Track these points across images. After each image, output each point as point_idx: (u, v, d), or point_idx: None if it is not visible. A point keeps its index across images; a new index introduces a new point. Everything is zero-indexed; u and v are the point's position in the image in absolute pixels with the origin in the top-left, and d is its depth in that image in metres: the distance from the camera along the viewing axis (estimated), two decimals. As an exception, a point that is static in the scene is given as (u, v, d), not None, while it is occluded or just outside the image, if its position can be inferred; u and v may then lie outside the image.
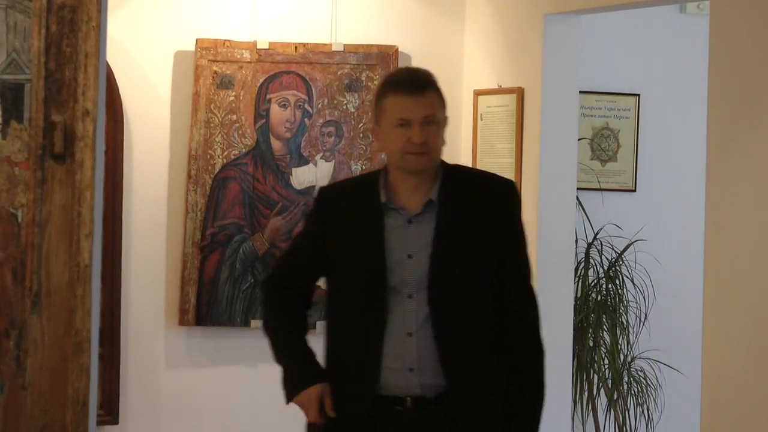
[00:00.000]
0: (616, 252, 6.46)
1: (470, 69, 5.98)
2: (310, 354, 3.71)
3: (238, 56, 5.70)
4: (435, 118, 3.56)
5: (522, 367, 3.64)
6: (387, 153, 3.63)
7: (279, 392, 3.65)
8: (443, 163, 3.67)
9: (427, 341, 3.55)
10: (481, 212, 3.62)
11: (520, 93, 5.65)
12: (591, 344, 6.30)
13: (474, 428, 3.58)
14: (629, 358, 6.42)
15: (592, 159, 6.69)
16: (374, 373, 3.57)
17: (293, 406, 3.64)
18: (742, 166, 4.47)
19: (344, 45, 5.81)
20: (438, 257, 3.56)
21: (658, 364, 6.50)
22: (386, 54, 5.85)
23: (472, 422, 3.57)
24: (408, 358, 3.56)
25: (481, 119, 5.86)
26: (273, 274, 3.88)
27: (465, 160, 5.88)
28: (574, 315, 5.91)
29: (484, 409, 3.60)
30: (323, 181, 5.73)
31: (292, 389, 3.66)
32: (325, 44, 5.80)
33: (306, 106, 5.80)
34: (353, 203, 3.68)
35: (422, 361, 3.55)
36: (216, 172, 5.70)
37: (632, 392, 6.40)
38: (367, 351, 3.58)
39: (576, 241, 6.04)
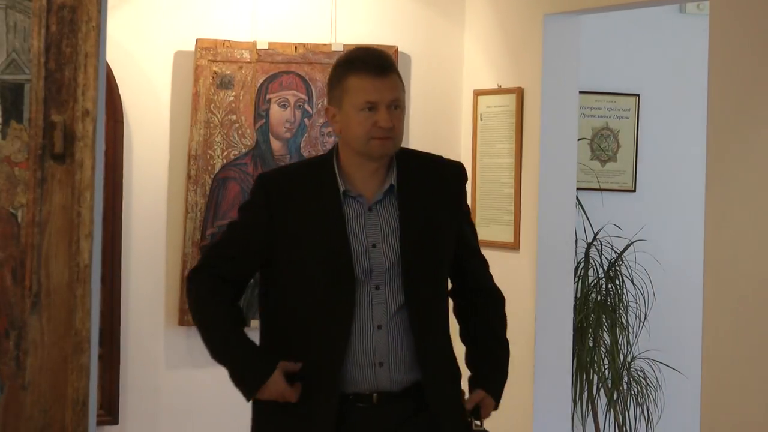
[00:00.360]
0: (615, 252, 6.46)
1: (470, 69, 5.98)
2: (255, 345, 3.54)
3: (238, 56, 5.70)
4: (400, 102, 3.43)
5: (490, 330, 3.63)
6: (347, 137, 3.45)
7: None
8: None
9: (398, 333, 3.44)
10: (439, 195, 3.52)
11: (520, 93, 5.65)
12: (591, 344, 6.30)
13: (448, 418, 3.50)
14: (629, 358, 6.42)
15: (591, 159, 6.69)
16: (340, 370, 3.42)
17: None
18: (742, 166, 4.47)
19: (344, 45, 5.81)
20: (408, 244, 3.44)
21: (658, 364, 6.50)
22: (386, 54, 5.85)
23: (445, 412, 3.50)
24: (379, 352, 3.43)
25: (481, 119, 5.86)
26: (203, 264, 3.58)
27: (465, 160, 5.88)
28: (574, 315, 5.91)
29: (455, 398, 3.54)
30: (323, 181, 5.73)
31: (251, 385, 3.49)
32: (325, 44, 5.80)
33: (306, 106, 5.80)
34: (307, 191, 3.48)
35: (393, 354, 3.44)
36: (216, 172, 5.70)
37: (632, 392, 6.41)
38: (333, 348, 3.42)
39: (576, 241, 6.04)
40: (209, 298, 3.54)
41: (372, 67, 3.41)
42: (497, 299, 3.67)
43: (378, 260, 3.44)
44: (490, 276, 3.68)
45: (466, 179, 3.65)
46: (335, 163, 3.48)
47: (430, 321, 3.49)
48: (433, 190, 3.52)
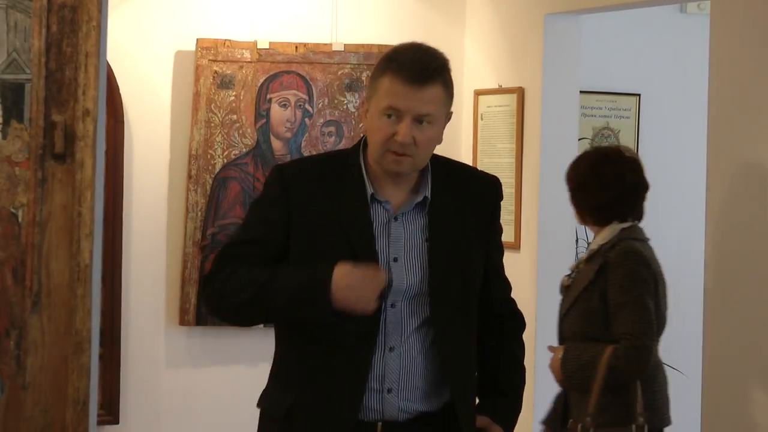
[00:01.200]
0: (616, 252, 6.45)
1: (470, 69, 5.98)
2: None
3: (239, 56, 5.70)
4: (432, 118, 3.06)
5: (510, 356, 3.34)
6: (368, 139, 3.12)
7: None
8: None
9: (411, 357, 3.10)
10: (472, 211, 3.19)
11: (520, 93, 5.65)
12: (591, 344, 6.29)
13: None
14: (629, 358, 6.41)
15: (592, 159, 6.68)
16: (359, 395, 3.07)
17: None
18: (742, 165, 4.46)
19: (344, 45, 5.81)
20: (438, 262, 3.11)
21: (659, 364, 6.50)
22: (386, 54, 5.85)
23: None
24: (389, 376, 3.09)
25: (482, 119, 5.86)
26: (214, 271, 3.16)
27: (465, 160, 5.87)
28: (575, 315, 5.89)
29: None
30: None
31: (320, 289, 3.00)
32: (325, 44, 5.80)
33: (306, 105, 5.81)
34: (330, 189, 3.12)
35: (404, 380, 3.10)
36: (216, 171, 5.70)
37: (632, 392, 6.40)
38: (353, 370, 3.07)
39: (576, 240, 6.04)
40: (231, 275, 3.12)
41: (409, 72, 3.03)
42: (520, 325, 3.39)
43: (398, 276, 3.09)
44: (513, 300, 3.39)
45: (502, 196, 3.32)
46: (362, 160, 3.14)
47: (455, 346, 3.15)
48: (466, 205, 3.19)
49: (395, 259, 3.10)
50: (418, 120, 3.04)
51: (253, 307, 3.10)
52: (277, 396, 3.18)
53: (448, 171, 3.22)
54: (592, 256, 4.42)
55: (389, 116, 3.04)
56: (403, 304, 3.10)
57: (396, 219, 3.12)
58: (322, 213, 3.10)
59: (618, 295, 4.26)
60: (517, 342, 3.38)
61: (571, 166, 4.61)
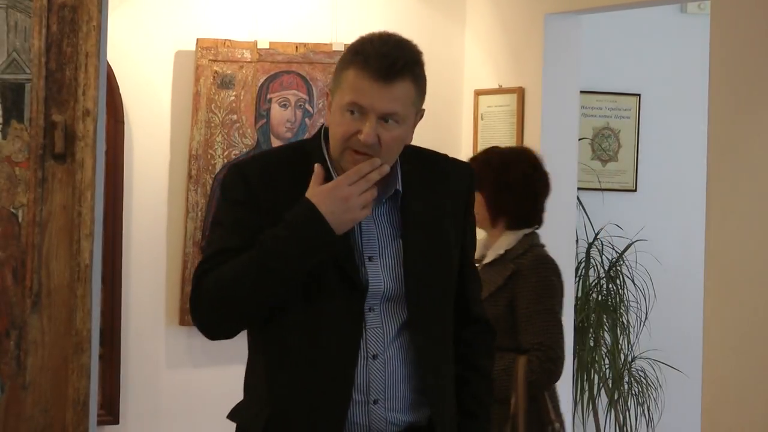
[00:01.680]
0: (616, 252, 6.46)
1: (471, 69, 5.98)
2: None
3: (239, 56, 5.70)
4: (399, 117, 2.80)
5: (482, 374, 3.06)
6: (330, 133, 2.85)
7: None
8: None
9: (396, 365, 2.85)
10: (447, 203, 2.95)
11: (520, 93, 5.65)
12: (592, 344, 6.30)
13: None
14: (630, 358, 6.42)
15: (592, 159, 6.69)
16: (343, 408, 2.83)
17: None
18: (742, 165, 4.47)
19: (344, 45, 5.80)
20: (414, 260, 2.86)
21: (659, 364, 6.51)
22: (387, 54, 5.85)
23: None
24: (374, 387, 2.84)
25: (482, 119, 5.86)
26: (196, 285, 2.87)
27: (466, 159, 5.87)
28: (575, 315, 5.91)
29: None
30: (324, 181, 5.74)
31: (309, 215, 2.75)
32: (325, 44, 5.80)
33: (307, 105, 5.80)
34: (295, 185, 2.83)
35: (391, 389, 2.86)
36: (217, 172, 5.70)
37: (633, 392, 6.41)
38: (334, 381, 2.82)
39: (576, 241, 6.04)
40: (214, 280, 2.83)
41: (375, 67, 2.77)
42: (492, 338, 3.11)
43: (375, 278, 2.84)
44: (481, 301, 3.13)
45: (474, 185, 3.07)
46: (325, 152, 2.88)
47: (436, 350, 2.92)
48: (441, 197, 2.95)
49: (370, 259, 2.85)
50: (384, 118, 2.78)
51: (256, 289, 2.80)
52: (254, 410, 2.94)
53: (419, 161, 2.97)
54: (496, 261, 4.21)
55: (352, 112, 2.77)
56: (382, 307, 2.85)
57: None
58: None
59: (530, 304, 4.12)
60: (489, 358, 3.11)
61: (489, 166, 4.27)
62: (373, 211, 2.85)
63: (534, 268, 4.17)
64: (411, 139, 2.92)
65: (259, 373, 2.97)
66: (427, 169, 2.98)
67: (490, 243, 4.27)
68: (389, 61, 2.77)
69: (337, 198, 2.76)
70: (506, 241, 4.24)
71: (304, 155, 2.88)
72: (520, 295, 4.14)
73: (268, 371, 2.93)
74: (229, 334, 3.00)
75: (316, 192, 2.78)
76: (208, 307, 2.87)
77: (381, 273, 2.85)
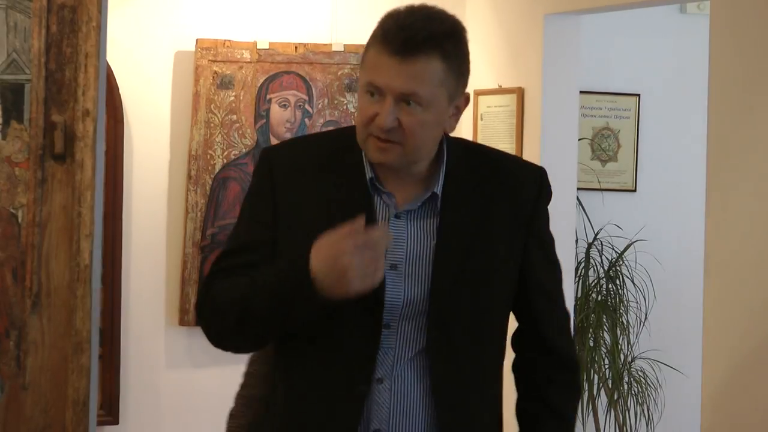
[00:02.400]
0: (616, 252, 6.46)
1: (471, 69, 5.98)
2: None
3: (238, 56, 5.70)
4: (421, 98, 2.45)
5: (550, 406, 2.65)
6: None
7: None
8: (448, 138, 2.64)
9: (405, 393, 2.48)
10: (501, 211, 2.57)
11: (520, 93, 5.65)
12: (591, 344, 6.30)
13: None
14: (629, 358, 6.42)
15: (592, 159, 6.69)
16: None
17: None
18: (742, 166, 4.46)
19: (344, 45, 5.81)
20: (445, 273, 2.49)
21: (659, 364, 6.50)
22: (386, 54, 5.85)
23: None
24: (376, 414, 2.48)
25: (482, 119, 5.86)
26: (207, 284, 2.61)
27: (465, 160, 5.88)
28: (575, 315, 5.90)
29: None
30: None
31: (300, 273, 2.40)
32: (325, 44, 5.80)
33: (306, 106, 5.80)
34: (323, 179, 2.54)
35: (396, 421, 2.48)
36: (216, 172, 5.70)
37: (632, 392, 6.40)
38: (339, 403, 2.49)
39: (576, 241, 6.04)
40: (215, 296, 2.57)
41: (392, 41, 2.43)
42: (566, 368, 2.66)
43: (395, 289, 2.48)
44: (567, 335, 2.69)
45: (550, 193, 2.67)
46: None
47: (461, 385, 2.52)
48: (493, 203, 2.57)
49: (393, 267, 2.48)
50: (404, 100, 2.45)
51: (245, 326, 2.52)
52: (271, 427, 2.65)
53: (475, 160, 2.63)
54: None
55: (372, 94, 2.46)
56: (402, 324, 2.49)
57: (398, 216, 2.52)
58: (310, 209, 2.53)
59: None
60: (566, 396, 2.67)
61: None
62: (408, 214, 2.52)
63: None
64: (452, 129, 2.60)
65: (276, 388, 2.65)
66: (483, 171, 2.61)
67: None
68: (409, 33, 2.43)
69: (334, 267, 2.37)
70: None
71: (341, 144, 2.57)
72: None
73: (280, 388, 2.60)
74: (233, 350, 2.64)
75: (322, 246, 2.40)
76: (209, 320, 2.60)
77: (403, 284, 2.49)
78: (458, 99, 2.56)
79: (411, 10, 2.49)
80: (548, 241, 2.67)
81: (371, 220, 2.48)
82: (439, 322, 2.50)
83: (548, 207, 2.69)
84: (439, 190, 2.55)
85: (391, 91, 2.44)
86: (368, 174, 2.53)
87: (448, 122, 2.57)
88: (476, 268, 2.53)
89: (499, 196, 2.59)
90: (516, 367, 2.69)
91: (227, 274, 2.57)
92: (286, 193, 2.55)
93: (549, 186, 2.67)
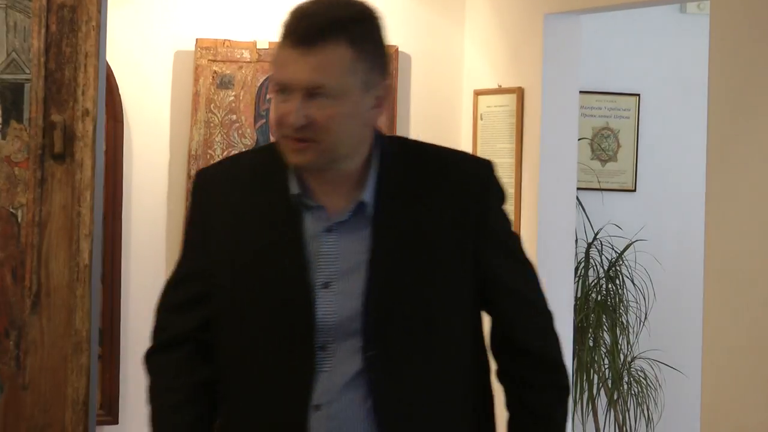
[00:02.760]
0: (616, 252, 6.46)
1: (470, 69, 5.98)
2: None
3: (238, 56, 5.70)
4: (330, 90, 2.24)
5: (528, 407, 2.46)
6: None
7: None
8: (383, 138, 2.40)
9: (344, 419, 2.27)
10: (443, 212, 2.35)
11: (520, 93, 5.65)
12: (591, 344, 6.30)
13: None
14: (629, 358, 6.42)
15: (592, 159, 6.69)
16: None
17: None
18: (742, 166, 4.46)
19: (344, 45, 5.81)
20: (378, 287, 2.29)
21: (659, 364, 6.50)
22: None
23: None
24: None
25: (481, 119, 5.86)
26: (154, 328, 2.47)
27: (465, 160, 5.87)
28: (574, 315, 5.90)
29: None
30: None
31: None
32: (325, 44, 5.80)
33: (306, 106, 5.80)
34: (251, 192, 2.37)
35: None
36: (216, 172, 5.70)
37: (632, 392, 6.40)
38: None
39: (576, 241, 6.04)
40: (161, 397, 2.41)
41: (294, 32, 2.25)
42: (547, 370, 2.46)
43: (327, 308, 2.29)
44: (547, 336, 2.47)
45: (496, 185, 2.43)
46: None
47: (414, 407, 2.30)
48: (433, 206, 2.35)
49: (326, 285, 2.29)
50: (313, 94, 2.25)
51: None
52: None
53: (413, 160, 2.40)
54: None
55: (281, 93, 2.29)
56: (338, 346, 2.29)
57: (330, 230, 2.32)
58: (237, 232, 2.36)
59: None
60: (547, 396, 2.47)
61: None
62: (339, 226, 2.32)
63: None
64: (375, 122, 2.38)
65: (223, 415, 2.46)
66: (421, 170, 2.38)
67: None
68: (311, 21, 2.25)
69: None
70: None
71: (270, 162, 2.38)
72: None
73: (222, 418, 2.42)
74: None
75: None
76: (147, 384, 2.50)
77: (335, 302, 2.29)
78: (377, 89, 2.32)
79: (311, 3, 2.33)
80: (509, 240, 2.44)
81: (296, 239, 2.30)
82: (375, 340, 2.28)
83: (502, 203, 2.46)
84: (368, 196, 2.33)
85: (297, 86, 2.26)
86: (294, 189, 2.33)
87: (369, 115, 2.33)
88: (416, 278, 2.32)
89: (439, 197, 2.36)
90: (498, 376, 2.51)
91: (171, 314, 2.45)
92: (215, 216, 2.40)
93: (497, 181, 2.44)
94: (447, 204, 2.36)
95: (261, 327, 2.32)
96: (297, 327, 2.29)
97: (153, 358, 2.45)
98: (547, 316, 2.48)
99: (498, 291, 2.42)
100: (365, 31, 2.32)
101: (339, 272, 2.31)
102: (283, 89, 2.28)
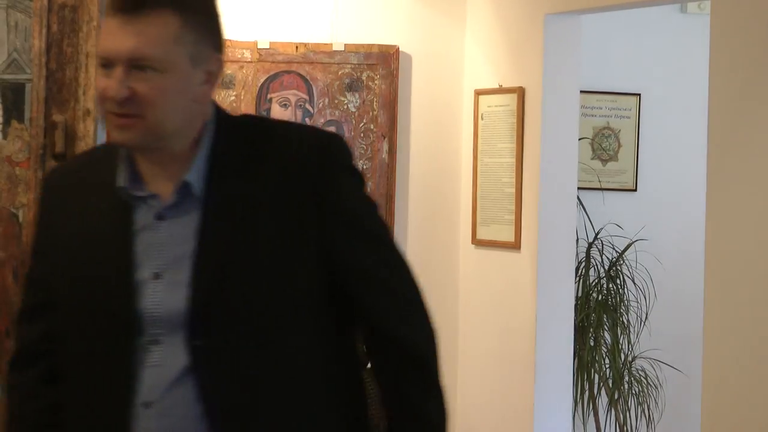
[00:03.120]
0: (616, 251, 6.45)
1: (471, 68, 5.98)
2: None
3: (239, 56, 5.70)
4: (156, 62, 2.08)
5: (401, 411, 2.22)
6: None
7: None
8: (223, 116, 2.21)
9: (176, 418, 2.11)
10: (279, 195, 2.15)
11: (521, 92, 5.65)
12: (592, 344, 6.30)
13: None
14: (630, 358, 6.42)
15: (592, 158, 6.69)
16: None
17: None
18: (742, 165, 4.46)
19: (345, 45, 5.81)
20: (205, 277, 2.12)
21: (659, 363, 6.50)
22: (387, 54, 5.85)
23: None
24: None
25: (482, 119, 5.86)
26: (14, 341, 2.36)
27: (466, 160, 5.87)
28: (575, 314, 5.90)
29: None
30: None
31: None
32: (325, 44, 5.80)
33: (307, 105, 5.81)
34: (79, 189, 2.24)
35: None
36: (217, 171, 5.70)
37: (633, 392, 6.40)
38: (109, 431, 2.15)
39: (577, 240, 6.04)
40: (11, 425, 2.28)
41: (116, 0, 2.10)
42: (411, 359, 2.21)
43: (155, 299, 2.13)
44: (412, 319, 2.23)
45: (342, 160, 2.21)
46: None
47: (247, 402, 2.12)
48: (267, 185, 2.16)
49: (157, 276, 2.14)
50: (137, 66, 2.08)
51: None
52: None
53: (250, 137, 2.20)
54: None
55: (105, 66, 2.11)
56: (167, 339, 2.13)
57: (162, 218, 2.16)
58: (70, 232, 2.23)
59: None
60: (408, 390, 2.22)
61: None
62: (168, 210, 2.16)
63: None
64: (206, 98, 2.18)
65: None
66: (256, 148, 2.18)
67: None
68: None
69: None
70: None
71: (106, 156, 2.23)
72: None
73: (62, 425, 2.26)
74: None
75: None
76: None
77: (164, 294, 2.13)
78: (208, 63, 2.14)
79: None
80: (364, 221, 2.21)
81: (120, 233, 2.15)
82: (202, 332, 2.11)
83: (353, 181, 2.23)
84: (194, 177, 2.15)
85: (118, 57, 2.09)
86: (120, 182, 2.17)
87: (198, 90, 2.14)
88: (245, 266, 2.13)
89: (275, 175, 2.15)
90: (373, 374, 2.28)
91: (19, 338, 2.33)
92: (53, 219, 2.27)
93: (344, 156, 2.21)
94: (284, 183, 2.15)
95: (91, 329, 2.18)
96: (121, 322, 2.13)
97: (10, 375, 2.32)
98: (416, 306, 2.23)
99: (352, 277, 2.19)
100: (197, 2, 2.14)
101: (169, 261, 2.14)
102: (106, 62, 2.11)
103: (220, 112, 2.21)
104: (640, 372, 6.44)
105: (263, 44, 5.74)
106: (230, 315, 2.12)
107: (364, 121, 5.83)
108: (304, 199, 2.15)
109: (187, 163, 2.15)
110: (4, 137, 3.71)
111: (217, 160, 2.16)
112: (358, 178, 2.24)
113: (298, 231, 2.15)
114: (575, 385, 6.16)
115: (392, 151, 5.77)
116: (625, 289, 6.44)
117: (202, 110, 2.17)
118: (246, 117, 2.32)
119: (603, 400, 6.42)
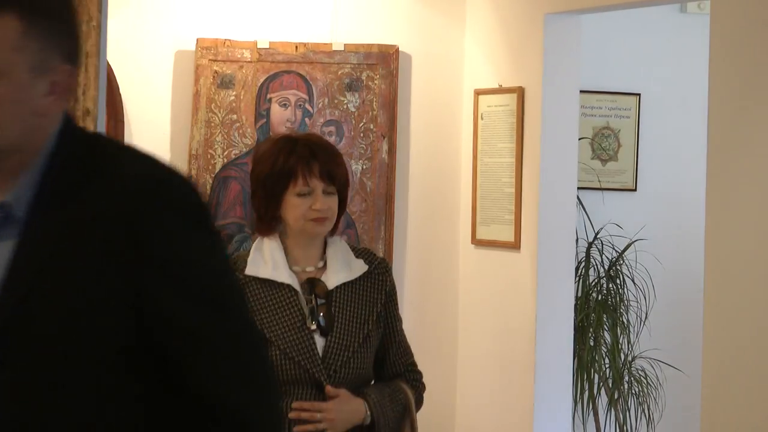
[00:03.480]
0: (616, 251, 6.46)
1: (471, 68, 5.98)
2: None
3: (239, 56, 5.70)
4: None
5: None
6: None
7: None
8: (71, 134, 1.97)
9: None
10: (93, 235, 1.90)
11: (520, 92, 5.65)
12: (592, 344, 6.30)
13: None
14: (630, 358, 6.42)
15: (592, 158, 6.69)
16: None
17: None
18: (742, 165, 4.47)
19: (345, 44, 5.81)
20: (4, 311, 1.90)
21: (659, 363, 6.50)
22: (387, 53, 5.85)
23: None
24: None
25: (482, 119, 5.86)
26: None
27: (465, 159, 5.87)
28: (575, 314, 5.91)
29: None
30: (324, 180, 5.73)
31: None
32: (325, 44, 5.80)
33: (306, 105, 5.81)
34: None
35: None
36: (216, 171, 5.70)
37: (633, 391, 6.40)
38: None
39: (576, 240, 6.04)
40: None
41: None
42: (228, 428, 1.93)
43: None
44: (233, 381, 1.94)
45: (179, 206, 1.97)
46: None
47: None
48: (86, 223, 1.91)
49: None
50: None
51: None
52: None
53: (85, 164, 1.95)
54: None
55: None
56: None
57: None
58: None
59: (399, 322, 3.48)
60: None
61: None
62: None
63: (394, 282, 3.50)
64: (49, 112, 1.95)
65: None
66: (86, 177, 1.94)
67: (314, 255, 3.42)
68: None
69: None
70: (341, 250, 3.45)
71: None
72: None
73: None
74: None
75: None
76: None
77: None
78: (53, 73, 1.93)
79: None
80: (190, 274, 1.93)
81: None
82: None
83: (186, 228, 1.95)
84: (14, 197, 1.93)
85: None
86: None
87: (40, 103, 1.93)
88: (41, 307, 1.90)
89: (95, 214, 1.91)
90: None
91: None
92: None
93: (179, 198, 1.97)
94: (101, 223, 1.90)
95: None
96: None
97: None
98: (244, 364, 1.94)
99: (165, 335, 1.91)
100: (46, 6, 1.93)
101: None
102: None
103: (67, 129, 1.98)
104: (640, 372, 6.44)
105: (263, 44, 5.74)
106: (16, 355, 1.89)
107: (364, 121, 5.83)
108: (119, 247, 1.89)
109: (11, 179, 1.93)
110: (4, 137, 3.71)
111: (46, 185, 1.93)
112: (190, 222, 1.96)
113: (105, 281, 1.89)
114: (575, 385, 6.16)
115: (392, 151, 5.78)
116: (625, 289, 6.44)
117: (43, 124, 1.94)
118: (92, 138, 2.03)
119: (603, 400, 6.42)
